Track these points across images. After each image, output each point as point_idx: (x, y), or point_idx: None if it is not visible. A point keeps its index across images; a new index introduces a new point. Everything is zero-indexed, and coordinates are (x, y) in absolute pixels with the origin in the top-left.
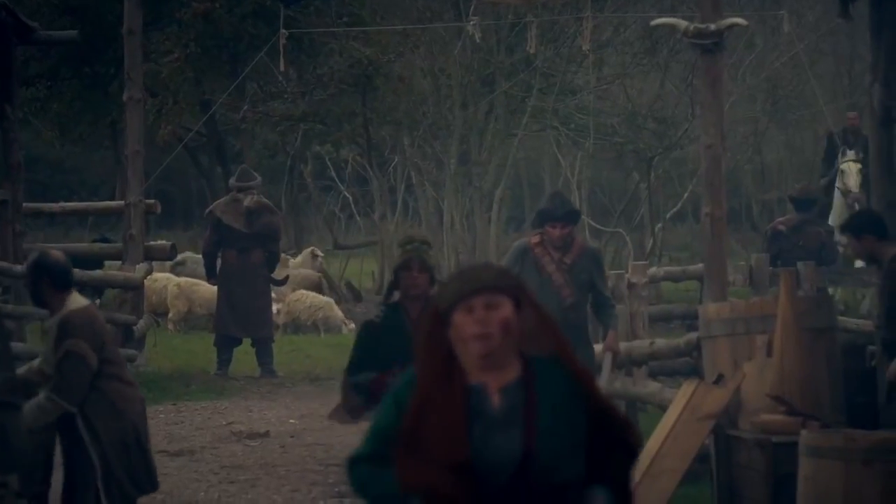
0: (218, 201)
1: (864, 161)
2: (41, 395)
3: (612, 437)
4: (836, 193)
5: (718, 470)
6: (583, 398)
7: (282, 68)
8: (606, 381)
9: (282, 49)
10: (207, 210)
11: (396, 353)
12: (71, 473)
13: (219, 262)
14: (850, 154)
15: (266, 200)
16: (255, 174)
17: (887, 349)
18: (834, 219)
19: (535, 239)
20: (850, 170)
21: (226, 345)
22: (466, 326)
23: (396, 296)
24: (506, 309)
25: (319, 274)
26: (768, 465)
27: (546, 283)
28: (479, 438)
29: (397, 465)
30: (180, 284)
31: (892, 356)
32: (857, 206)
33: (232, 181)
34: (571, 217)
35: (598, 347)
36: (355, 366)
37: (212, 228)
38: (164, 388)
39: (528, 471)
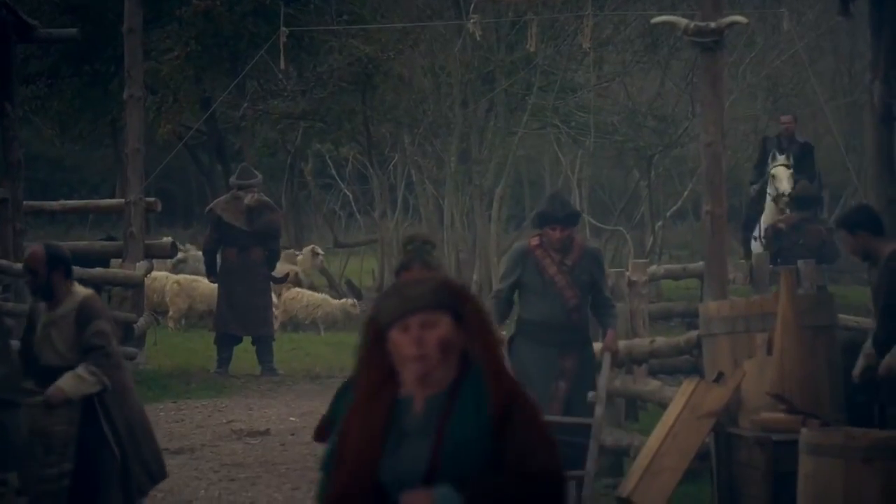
0: (218, 199)
1: (803, 167)
2: (80, 368)
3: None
4: (767, 199)
5: (719, 468)
6: (491, 423)
7: (282, 66)
8: (606, 381)
9: (282, 47)
10: (208, 208)
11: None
12: (90, 468)
13: (219, 259)
14: (781, 158)
15: (266, 198)
16: (256, 172)
17: (879, 348)
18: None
19: (535, 241)
20: (780, 174)
21: (226, 343)
22: (403, 346)
23: None
24: (443, 327)
25: (296, 269)
26: (768, 463)
27: (549, 286)
28: (391, 450)
29: (322, 482)
30: (180, 282)
31: (883, 355)
32: (787, 211)
33: (233, 179)
34: (572, 219)
35: (596, 346)
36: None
37: (212, 226)
38: (165, 387)
39: (433, 483)
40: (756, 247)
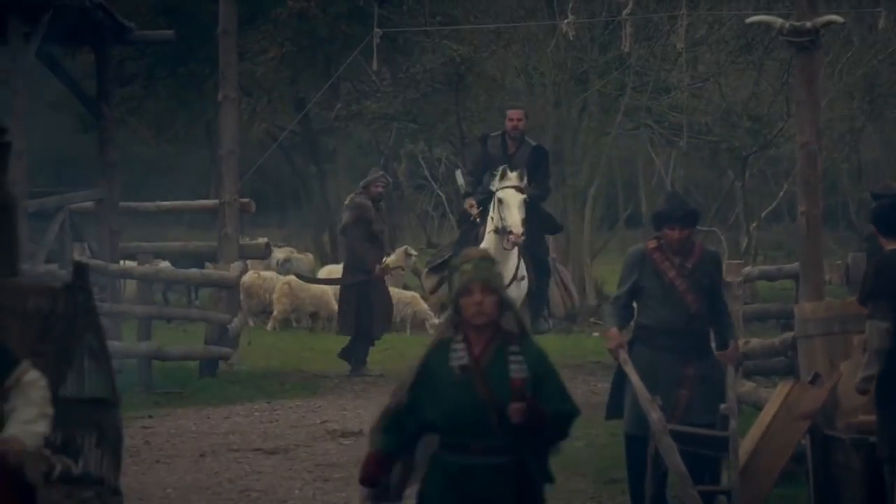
0: None
1: (535, 177)
2: None
3: None
4: (488, 225)
5: (815, 470)
6: None
7: (374, 67)
8: (734, 393)
9: (375, 48)
10: None
11: (452, 403)
12: None
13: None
14: (512, 177)
15: (356, 199)
16: (372, 172)
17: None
18: None
19: (653, 244)
20: (509, 200)
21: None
22: None
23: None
24: None
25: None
26: (865, 465)
27: (669, 290)
28: None
29: None
30: (290, 283)
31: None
32: (516, 251)
33: None
34: (691, 218)
35: None
36: (398, 410)
37: None
38: (259, 387)
39: None
40: None
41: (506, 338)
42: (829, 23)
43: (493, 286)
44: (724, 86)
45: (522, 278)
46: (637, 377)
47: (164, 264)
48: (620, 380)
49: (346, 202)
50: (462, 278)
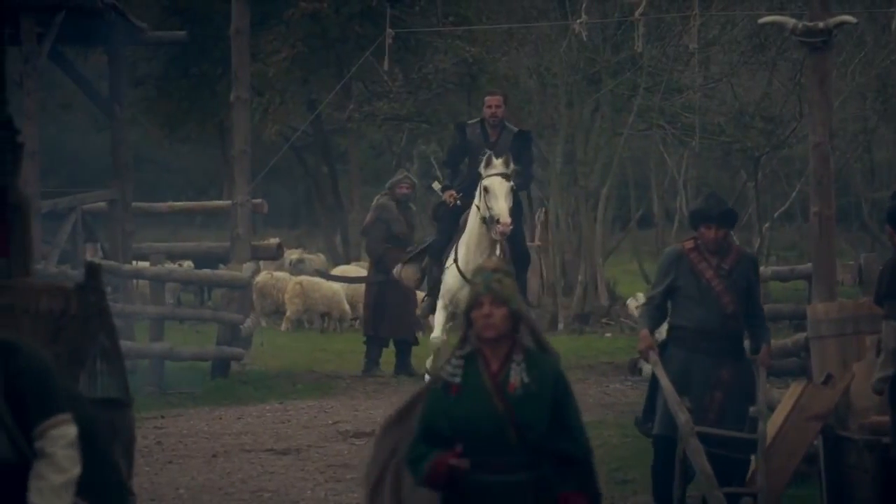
0: None
1: (519, 163)
2: None
3: None
4: (473, 215)
5: (827, 471)
6: None
7: (386, 67)
8: (764, 396)
9: (387, 49)
10: None
11: (468, 419)
12: None
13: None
14: (497, 164)
15: (379, 200)
16: (400, 172)
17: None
18: (468, 255)
19: (689, 244)
20: (496, 188)
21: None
22: None
23: (473, 343)
24: None
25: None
26: (878, 466)
27: (706, 291)
28: None
29: None
30: (302, 283)
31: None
32: (502, 244)
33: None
34: (728, 218)
35: None
36: (418, 440)
37: None
38: (271, 387)
39: None
40: (450, 279)
41: (522, 351)
42: (842, 23)
43: (503, 298)
44: (736, 86)
45: None
46: (667, 379)
47: (188, 264)
48: (655, 385)
49: (373, 203)
50: (472, 291)
